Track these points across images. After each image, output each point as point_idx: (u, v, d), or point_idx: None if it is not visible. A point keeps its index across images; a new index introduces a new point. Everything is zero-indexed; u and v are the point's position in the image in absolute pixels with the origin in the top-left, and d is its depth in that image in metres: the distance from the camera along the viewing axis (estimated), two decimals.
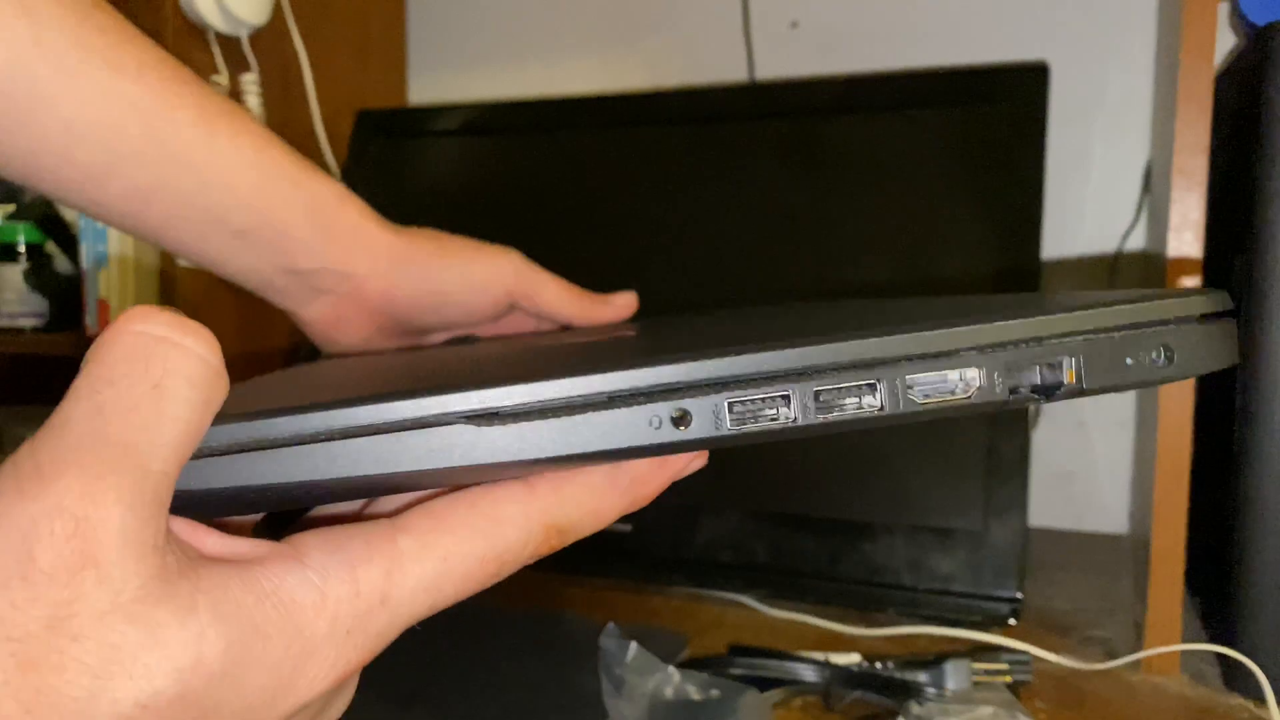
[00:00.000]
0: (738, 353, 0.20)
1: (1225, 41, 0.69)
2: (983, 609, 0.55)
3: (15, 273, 0.90)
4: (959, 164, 0.64)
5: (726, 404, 0.20)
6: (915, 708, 0.43)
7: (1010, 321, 0.21)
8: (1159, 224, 0.54)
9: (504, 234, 0.75)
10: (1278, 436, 0.47)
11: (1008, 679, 0.47)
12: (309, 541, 0.20)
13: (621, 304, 0.49)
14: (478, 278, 0.46)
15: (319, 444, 0.19)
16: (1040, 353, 0.21)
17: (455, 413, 0.19)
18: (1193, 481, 0.49)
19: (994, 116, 0.64)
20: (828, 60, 0.85)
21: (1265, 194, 0.47)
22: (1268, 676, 0.46)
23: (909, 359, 0.21)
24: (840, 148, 0.68)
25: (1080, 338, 0.21)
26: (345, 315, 0.45)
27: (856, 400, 0.21)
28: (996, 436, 0.58)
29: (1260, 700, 0.46)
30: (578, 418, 0.20)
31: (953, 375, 0.21)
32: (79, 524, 0.17)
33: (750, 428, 0.20)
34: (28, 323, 0.91)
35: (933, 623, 0.55)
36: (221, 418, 0.19)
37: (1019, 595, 0.55)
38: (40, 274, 0.90)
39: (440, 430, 0.19)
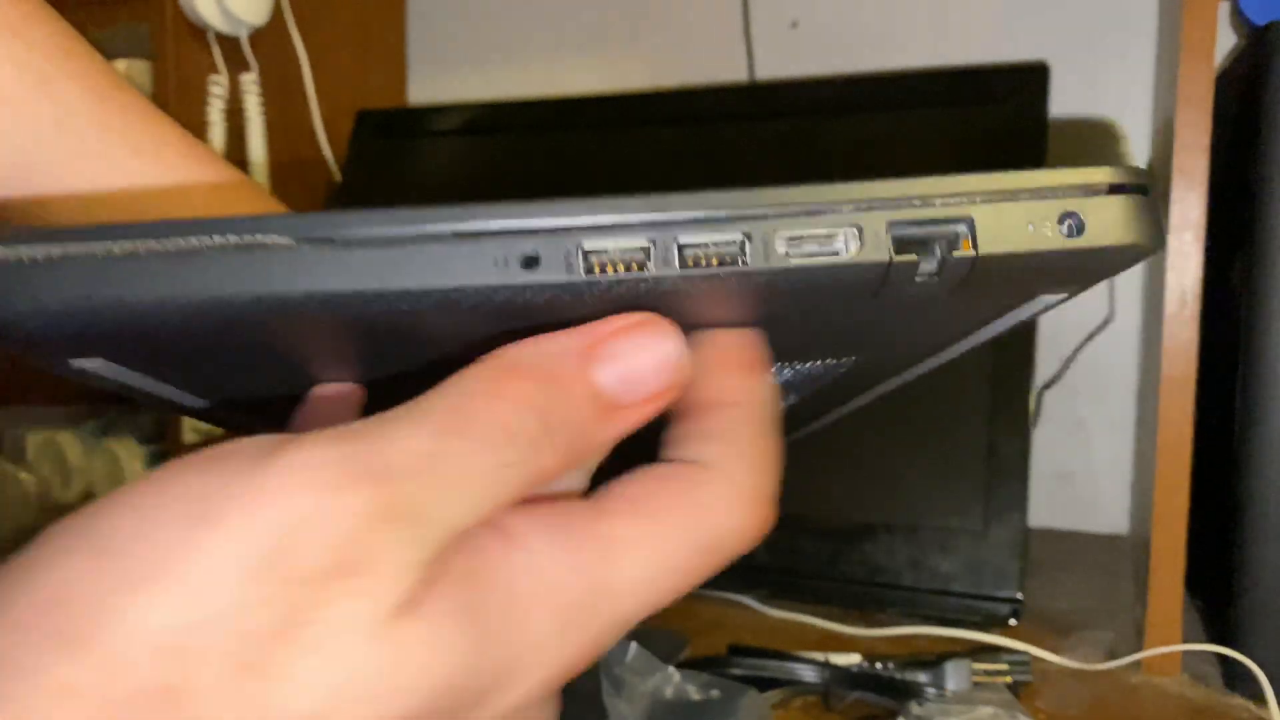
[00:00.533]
0: (598, 198, 0.19)
1: (1225, 41, 0.69)
2: (983, 609, 0.55)
3: None
4: (959, 164, 0.64)
5: (580, 250, 0.18)
6: (915, 708, 0.43)
7: (895, 181, 0.19)
8: None
9: None
10: (1278, 436, 0.47)
11: (1008, 679, 0.47)
12: (520, 522, 0.18)
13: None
14: None
15: (142, 259, 0.18)
16: (930, 213, 0.19)
17: (285, 239, 0.18)
18: (1193, 481, 0.49)
19: (994, 116, 0.64)
20: (828, 60, 0.85)
21: (1265, 194, 0.47)
22: (1268, 676, 0.46)
23: (781, 214, 0.19)
24: (840, 148, 0.68)
25: (975, 199, 0.19)
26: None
27: (723, 254, 0.19)
28: (996, 436, 0.58)
29: (1260, 700, 0.46)
30: (420, 248, 0.18)
31: (832, 233, 0.19)
32: (344, 543, 0.15)
33: (603, 277, 0.18)
34: None
35: (933, 623, 0.55)
36: (58, 229, 0.18)
37: (1019, 595, 0.55)
38: None
39: (269, 251, 0.18)
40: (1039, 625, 0.57)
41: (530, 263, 0.18)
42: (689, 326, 0.21)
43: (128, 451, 0.86)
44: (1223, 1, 0.66)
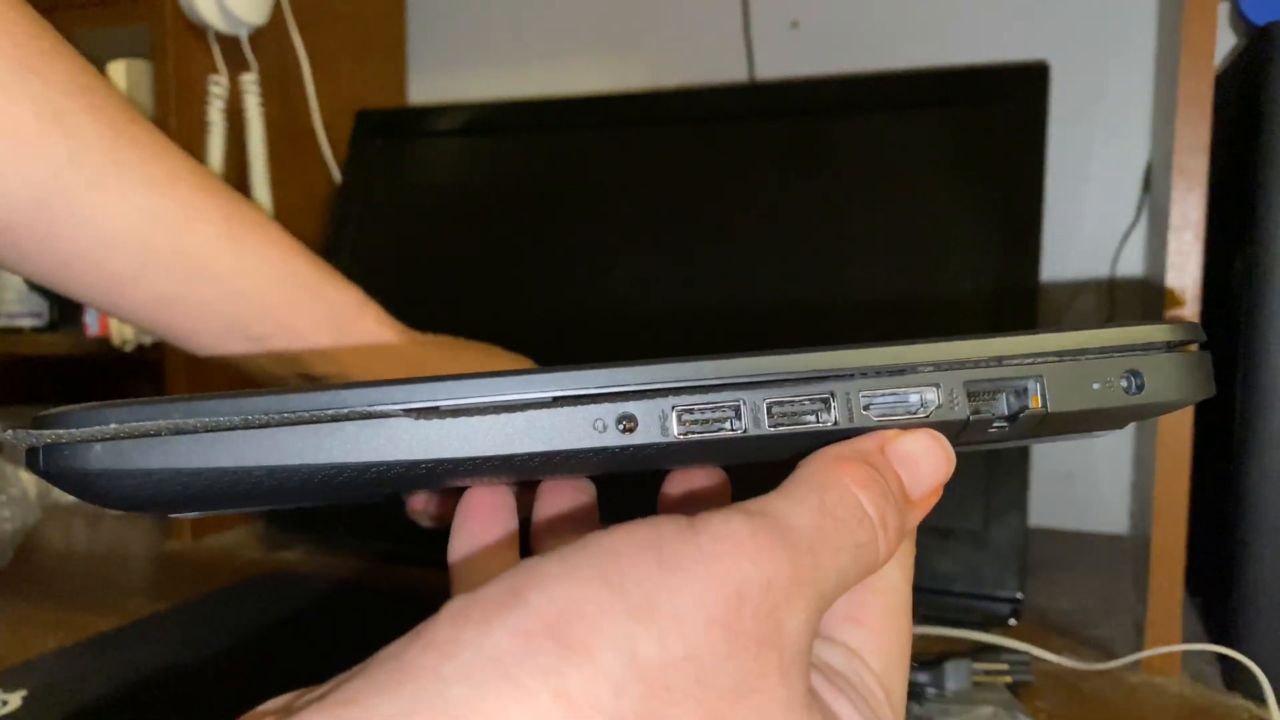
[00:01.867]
0: (688, 360, 0.20)
1: (1225, 41, 0.69)
2: (983, 609, 0.55)
3: None
4: (959, 164, 0.64)
5: (675, 411, 0.20)
6: (915, 708, 0.43)
7: (970, 340, 0.21)
8: (1159, 224, 0.54)
9: (503, 234, 0.75)
10: (1278, 436, 0.47)
11: (1008, 679, 0.47)
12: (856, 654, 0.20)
13: None
14: None
15: (253, 430, 0.19)
16: (1002, 373, 0.21)
17: (395, 405, 0.19)
18: (1193, 481, 0.49)
19: (994, 116, 0.64)
20: (828, 60, 0.85)
21: (1265, 194, 0.47)
22: (1268, 676, 0.46)
23: (864, 373, 0.20)
24: (840, 148, 0.68)
25: (1045, 359, 0.21)
26: None
27: (809, 414, 0.20)
28: None
29: (1260, 700, 0.46)
30: (519, 415, 0.19)
31: (910, 393, 0.20)
32: (776, 606, 0.17)
33: (698, 437, 0.20)
34: (28, 323, 0.90)
35: (933, 623, 0.55)
36: (168, 400, 0.19)
37: (1019, 595, 0.55)
38: None
39: (379, 422, 0.19)
40: (1039, 625, 0.57)
41: (627, 425, 0.19)
42: (772, 460, 0.22)
43: None
44: (1223, 1, 0.66)
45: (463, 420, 0.19)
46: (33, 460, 0.20)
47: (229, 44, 0.77)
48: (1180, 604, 0.49)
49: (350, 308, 0.45)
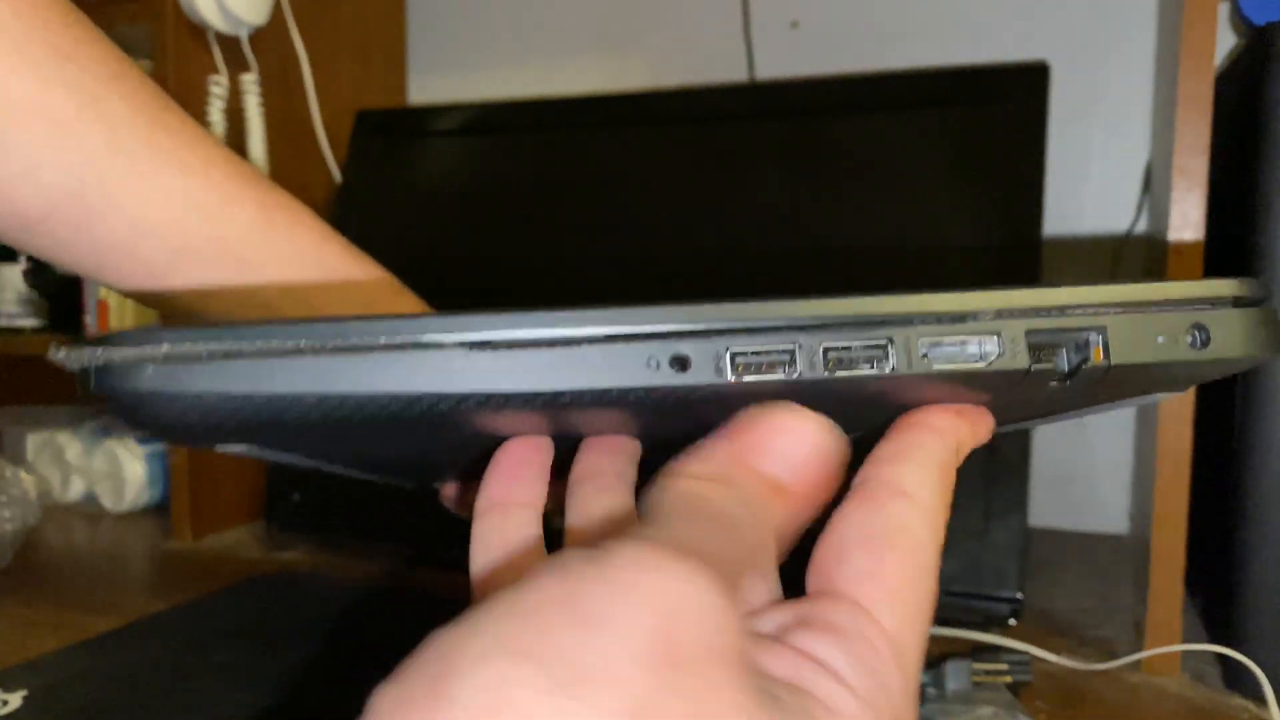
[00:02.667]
0: (745, 301, 0.19)
1: (1225, 41, 0.69)
2: (983, 609, 0.55)
3: (15, 273, 0.90)
4: (959, 164, 0.64)
5: (729, 353, 0.19)
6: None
7: (1033, 289, 0.20)
8: (1159, 224, 0.54)
9: (504, 234, 0.75)
10: (1278, 436, 0.47)
11: (1008, 679, 0.47)
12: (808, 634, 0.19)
13: None
14: None
15: (307, 356, 0.19)
16: (1065, 322, 0.20)
17: (450, 336, 0.19)
18: (1193, 481, 0.49)
19: (994, 116, 0.64)
20: (828, 60, 0.85)
21: (1265, 194, 0.47)
22: (1268, 676, 0.46)
23: (924, 319, 0.20)
24: (840, 148, 0.68)
25: (1109, 310, 0.20)
26: None
27: (866, 360, 0.20)
28: (996, 436, 0.58)
29: (1260, 700, 0.46)
30: (572, 350, 0.19)
31: (970, 340, 0.20)
32: (712, 610, 0.16)
33: (752, 378, 0.19)
34: (28, 323, 0.91)
35: (933, 623, 0.55)
36: (222, 325, 0.19)
37: (1019, 595, 0.55)
38: (40, 274, 0.90)
39: (433, 352, 0.19)
40: (1039, 625, 0.57)
41: (681, 365, 0.19)
42: (833, 410, 0.22)
43: (128, 451, 0.86)
44: (1223, 1, 0.66)
45: (517, 353, 0.19)
46: (84, 380, 0.19)
47: (229, 44, 0.77)
48: (1180, 604, 0.49)
49: (384, 291, 0.45)
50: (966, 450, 0.23)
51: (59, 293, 0.91)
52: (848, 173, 0.67)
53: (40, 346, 0.87)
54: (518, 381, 0.19)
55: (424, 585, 0.63)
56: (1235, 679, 0.48)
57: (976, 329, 0.20)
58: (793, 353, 0.19)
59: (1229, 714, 0.47)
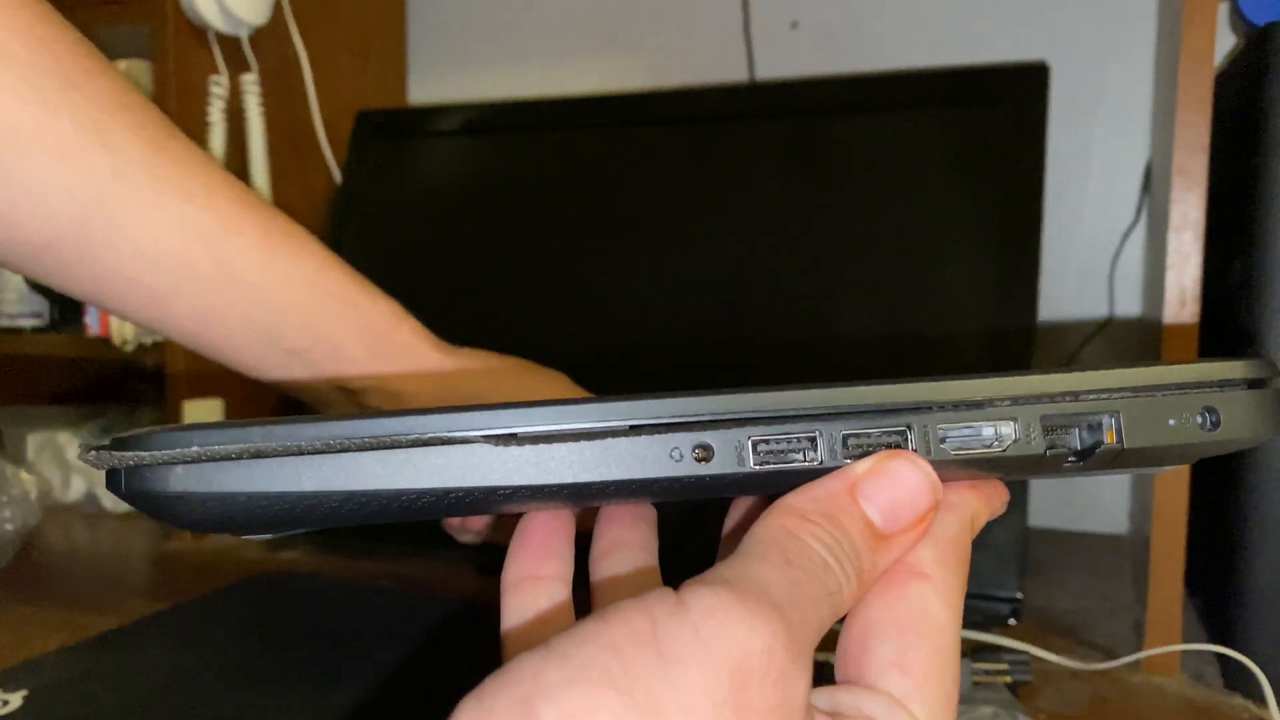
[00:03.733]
0: (765, 390, 0.20)
1: (1225, 41, 0.69)
2: (983, 609, 0.55)
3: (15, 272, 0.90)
4: (959, 164, 0.64)
5: (750, 441, 0.20)
6: None
7: (1048, 374, 0.21)
8: (1159, 224, 0.54)
9: (504, 234, 0.75)
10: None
11: (1008, 679, 0.47)
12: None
13: None
14: None
15: (334, 454, 0.19)
16: (1079, 408, 0.21)
17: (476, 431, 0.19)
18: (1193, 481, 0.49)
19: (994, 116, 0.64)
20: (828, 60, 0.85)
21: (1265, 194, 0.47)
22: (1268, 676, 0.46)
23: (941, 406, 0.20)
24: (840, 148, 0.68)
25: (1121, 394, 0.21)
26: None
27: (887, 446, 0.20)
28: None
29: (1260, 700, 0.46)
30: (597, 443, 0.19)
31: (986, 426, 0.20)
32: (779, 670, 0.17)
33: (775, 467, 0.20)
34: (28, 323, 0.91)
35: None
36: (248, 423, 0.19)
37: (1019, 595, 0.55)
38: None
39: (459, 448, 0.19)
40: (1039, 625, 0.57)
41: (704, 455, 0.20)
42: None
43: None
44: (1223, 1, 0.66)
45: (542, 448, 0.19)
46: (114, 481, 0.20)
47: (229, 44, 0.77)
48: (1180, 604, 0.49)
49: (387, 320, 0.45)
50: (981, 524, 0.24)
51: (59, 292, 0.91)
52: (848, 173, 0.67)
53: (41, 346, 0.87)
54: (544, 475, 0.19)
55: (425, 584, 0.63)
56: (1235, 679, 0.48)
57: (993, 415, 0.20)
58: (814, 439, 0.20)
59: (1229, 714, 0.47)
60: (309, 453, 0.19)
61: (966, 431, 0.20)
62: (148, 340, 0.78)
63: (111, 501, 0.86)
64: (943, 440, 0.20)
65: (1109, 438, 0.20)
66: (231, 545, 0.75)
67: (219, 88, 0.76)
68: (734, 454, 0.20)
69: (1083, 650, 0.53)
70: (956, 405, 0.20)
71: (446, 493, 0.19)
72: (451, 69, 1.00)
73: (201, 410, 0.75)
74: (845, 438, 0.20)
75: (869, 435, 0.20)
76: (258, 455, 0.19)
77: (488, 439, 0.19)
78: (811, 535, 0.19)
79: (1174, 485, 0.49)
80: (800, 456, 0.20)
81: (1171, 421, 0.21)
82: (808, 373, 0.62)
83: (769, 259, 0.66)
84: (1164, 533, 0.49)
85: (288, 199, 0.82)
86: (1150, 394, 0.21)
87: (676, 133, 0.72)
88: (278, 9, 0.81)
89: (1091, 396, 0.21)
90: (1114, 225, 0.78)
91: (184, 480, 0.19)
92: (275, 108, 0.81)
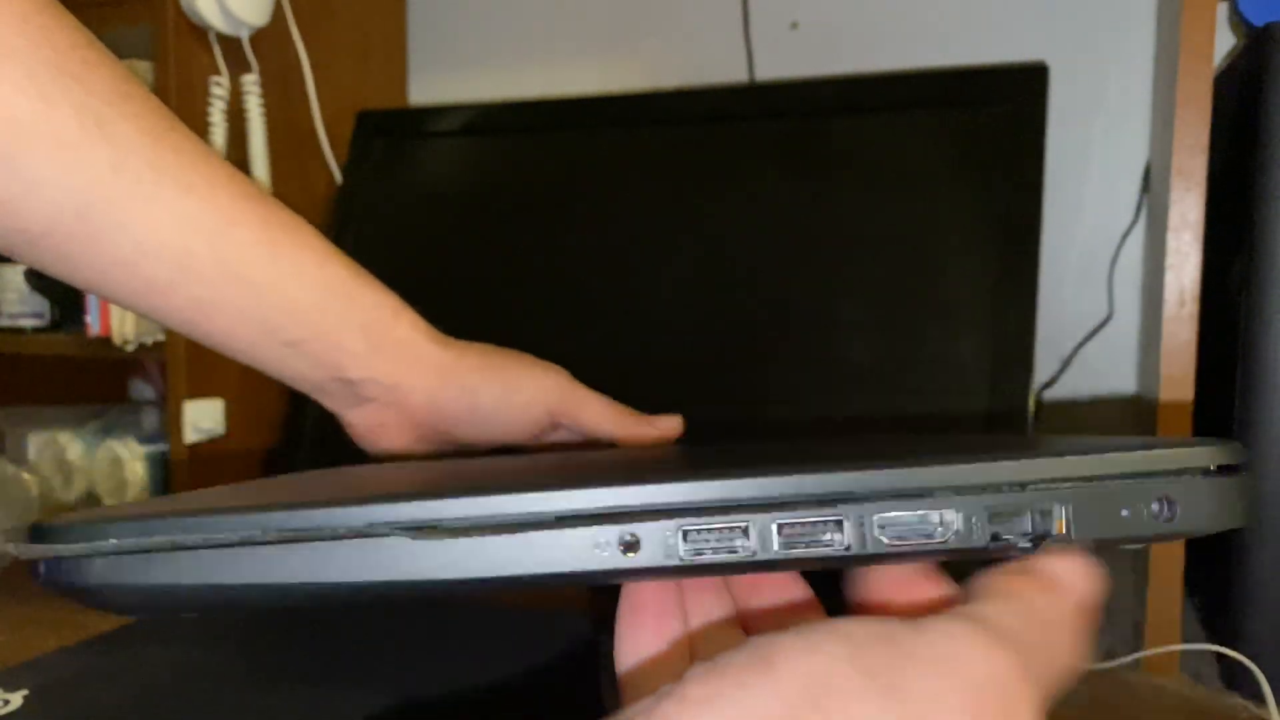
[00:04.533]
0: (693, 478, 0.19)
1: (1225, 41, 0.69)
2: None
3: (16, 273, 0.90)
4: (959, 164, 0.64)
5: (680, 531, 0.19)
6: None
7: (994, 463, 0.19)
8: (1159, 224, 0.54)
9: (504, 234, 0.75)
10: (1277, 436, 0.47)
11: None
12: None
13: (665, 425, 0.50)
14: (521, 397, 0.47)
15: (251, 546, 0.19)
16: (1026, 499, 0.19)
17: (391, 523, 0.18)
18: None
19: (994, 116, 0.64)
20: (828, 60, 0.85)
21: (1265, 194, 0.47)
22: (1267, 676, 0.46)
23: (879, 496, 0.19)
24: (840, 148, 0.68)
25: (1071, 484, 0.19)
26: (388, 422, 0.47)
27: (820, 537, 0.19)
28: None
29: (1260, 700, 0.46)
30: (519, 537, 0.19)
31: (929, 516, 0.19)
32: (1012, 702, 0.17)
33: (704, 559, 0.19)
34: (28, 323, 0.91)
35: None
36: (173, 514, 0.19)
37: None
38: (41, 274, 0.91)
39: (374, 541, 0.18)
40: None
41: (630, 547, 0.19)
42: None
43: (129, 451, 0.86)
44: (1222, 2, 0.66)
45: (462, 541, 0.19)
46: (34, 572, 0.20)
47: (230, 45, 0.78)
48: (1180, 604, 0.49)
49: (386, 313, 0.45)
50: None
51: (59, 293, 0.91)
52: (847, 173, 0.67)
53: (41, 346, 0.88)
54: (464, 569, 0.19)
55: None
56: (1234, 679, 0.48)
57: (934, 505, 0.19)
58: (745, 529, 0.19)
59: (1229, 714, 0.47)
60: (225, 545, 0.19)
61: (906, 523, 0.19)
62: (148, 340, 0.78)
63: (112, 501, 0.86)
64: (880, 530, 0.19)
65: (1058, 528, 0.20)
66: None
67: (220, 88, 0.76)
68: (661, 545, 0.19)
69: None
70: (896, 495, 0.19)
71: (363, 587, 0.19)
72: (451, 69, 1.00)
73: (202, 410, 0.75)
74: (779, 527, 0.19)
75: (802, 525, 0.19)
76: (175, 548, 0.19)
77: (405, 531, 0.19)
78: (1036, 594, 0.19)
79: None
80: (731, 547, 0.19)
81: (1125, 512, 0.20)
82: (807, 372, 0.62)
83: (769, 259, 0.66)
84: None
85: (288, 199, 0.81)
86: (1103, 483, 0.20)
87: (676, 133, 0.72)
88: (278, 10, 0.81)
89: (1039, 486, 0.19)
90: (1114, 225, 0.78)
91: (103, 573, 0.19)
92: (276, 108, 0.81)
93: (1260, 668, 0.46)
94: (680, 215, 0.70)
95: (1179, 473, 0.20)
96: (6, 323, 0.91)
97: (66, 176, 0.36)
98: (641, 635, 0.23)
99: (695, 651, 0.24)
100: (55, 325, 0.91)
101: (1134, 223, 0.77)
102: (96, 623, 0.57)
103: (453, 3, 0.99)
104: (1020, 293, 0.60)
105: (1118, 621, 0.58)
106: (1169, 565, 0.49)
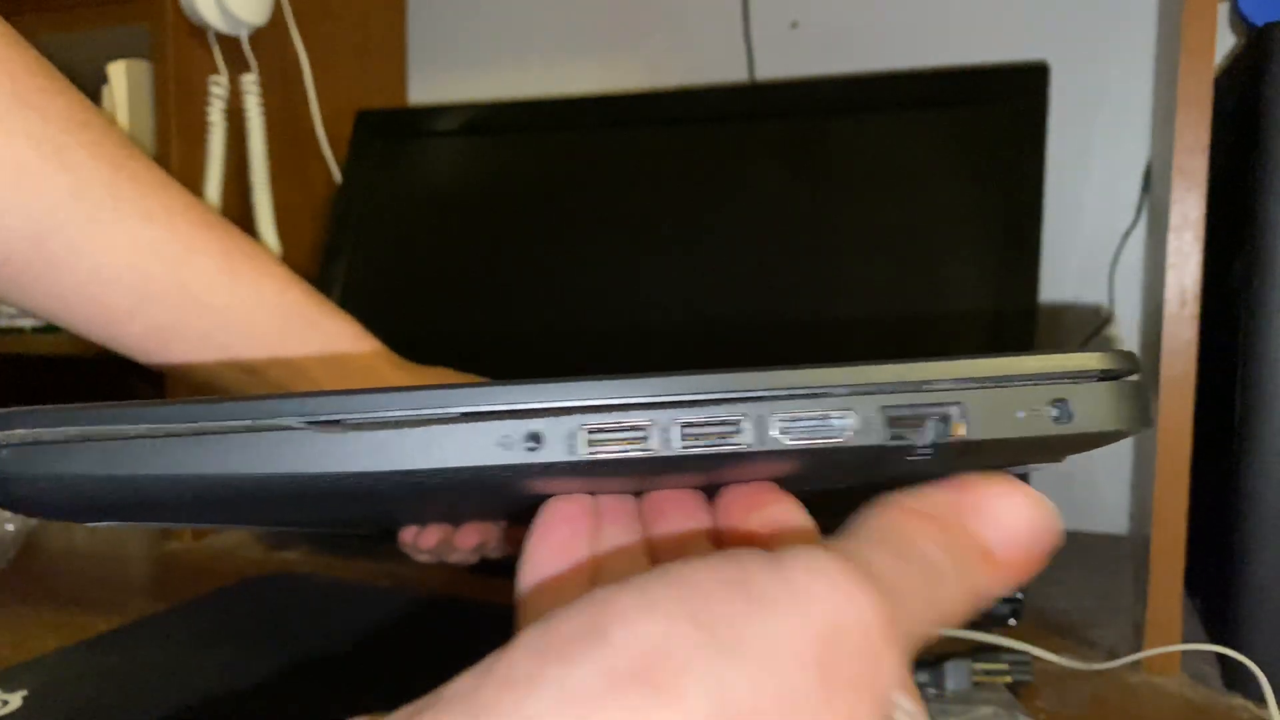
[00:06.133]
0: (597, 379, 0.19)
1: (1225, 41, 0.69)
2: (983, 609, 0.55)
3: None
4: (959, 164, 0.64)
5: (583, 429, 0.19)
6: None
7: (890, 364, 0.20)
8: (1159, 224, 0.54)
9: (503, 234, 0.75)
10: (1278, 436, 0.47)
11: (1008, 679, 0.47)
12: None
13: None
14: None
15: (159, 439, 0.19)
16: (922, 398, 0.20)
17: (298, 416, 0.19)
18: (1193, 481, 0.49)
19: (994, 116, 0.64)
20: (828, 60, 0.85)
21: (1265, 194, 0.47)
22: (1268, 676, 0.46)
23: (776, 395, 0.20)
24: (840, 148, 0.68)
25: (967, 385, 0.20)
26: None
27: (721, 435, 0.19)
28: None
29: (1260, 700, 0.46)
30: (423, 430, 0.19)
31: (829, 415, 0.20)
32: (872, 648, 0.16)
33: (605, 455, 0.19)
34: (28, 323, 0.91)
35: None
36: (80, 407, 0.19)
37: (1019, 595, 0.55)
38: None
39: (282, 434, 0.19)
40: (1039, 625, 0.57)
41: (534, 442, 0.19)
42: (703, 484, 0.22)
43: None
44: (1222, 2, 0.66)
45: (366, 434, 0.19)
46: None
47: (229, 44, 0.77)
48: (1180, 604, 0.49)
49: (347, 340, 0.46)
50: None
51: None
52: (848, 173, 0.67)
53: (41, 346, 0.87)
54: (368, 462, 0.19)
55: (424, 584, 0.63)
56: (1235, 679, 0.48)
57: (831, 405, 0.20)
58: (647, 428, 0.19)
59: (1229, 714, 0.47)
60: (131, 437, 0.19)
61: (804, 421, 0.20)
62: None
63: None
64: (780, 430, 0.20)
65: (956, 429, 0.20)
66: (231, 545, 0.75)
67: (219, 88, 0.76)
68: (564, 442, 0.19)
69: (1083, 650, 0.53)
70: (793, 394, 0.20)
71: (267, 479, 0.19)
72: (451, 69, 1.00)
73: None
74: (681, 426, 0.19)
75: (704, 424, 0.20)
76: (83, 439, 0.19)
77: (311, 424, 0.19)
78: (925, 536, 0.19)
79: (1174, 485, 0.49)
80: (635, 445, 0.19)
81: (1020, 414, 0.20)
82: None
83: (769, 259, 0.66)
84: (1164, 533, 0.49)
85: (288, 199, 0.82)
86: (998, 385, 0.20)
87: (677, 133, 0.72)
88: (278, 9, 0.81)
89: (935, 387, 0.20)
90: (1114, 225, 0.78)
91: (10, 464, 0.19)
92: (275, 108, 0.81)
93: (1260, 668, 0.46)
94: (680, 215, 0.70)
95: (1073, 376, 0.20)
96: (6, 323, 0.91)
97: (23, 204, 0.36)
98: (545, 554, 0.23)
99: (598, 578, 0.23)
100: (54, 325, 0.91)
101: (1134, 222, 0.77)
102: (96, 623, 0.57)
103: (453, 2, 0.99)
104: (1020, 292, 0.60)
105: (1118, 621, 0.58)
106: (1169, 565, 0.49)
